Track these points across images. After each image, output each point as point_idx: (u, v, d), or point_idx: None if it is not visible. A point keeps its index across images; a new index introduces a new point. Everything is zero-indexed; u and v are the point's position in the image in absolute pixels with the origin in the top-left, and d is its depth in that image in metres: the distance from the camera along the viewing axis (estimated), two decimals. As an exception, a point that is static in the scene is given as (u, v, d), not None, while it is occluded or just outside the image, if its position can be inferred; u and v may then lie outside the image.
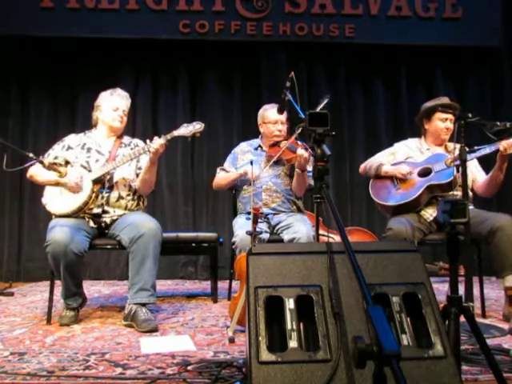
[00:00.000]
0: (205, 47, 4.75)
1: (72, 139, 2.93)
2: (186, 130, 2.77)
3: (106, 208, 2.78)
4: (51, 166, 2.70)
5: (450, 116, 3.00)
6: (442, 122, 3.04)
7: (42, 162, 2.70)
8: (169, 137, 2.73)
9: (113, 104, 2.89)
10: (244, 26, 4.67)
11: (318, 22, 4.70)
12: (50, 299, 2.76)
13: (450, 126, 3.02)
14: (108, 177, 2.80)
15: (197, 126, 2.77)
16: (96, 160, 2.82)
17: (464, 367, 1.76)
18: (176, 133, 2.76)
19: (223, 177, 3.24)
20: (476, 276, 2.81)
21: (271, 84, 4.63)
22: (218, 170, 3.32)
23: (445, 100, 3.04)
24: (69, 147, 2.88)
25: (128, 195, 2.86)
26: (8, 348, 2.20)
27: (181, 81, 4.81)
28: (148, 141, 2.75)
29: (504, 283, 2.68)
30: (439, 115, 3.04)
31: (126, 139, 3.02)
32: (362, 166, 3.21)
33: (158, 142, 2.68)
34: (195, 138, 2.82)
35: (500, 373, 1.51)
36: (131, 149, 2.90)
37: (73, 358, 2.03)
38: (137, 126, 4.70)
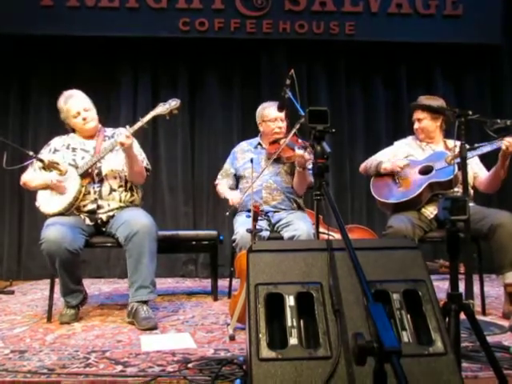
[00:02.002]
0: (204, 45, 4.74)
1: (57, 141, 2.93)
2: (163, 108, 2.75)
3: (99, 202, 2.78)
4: (51, 165, 2.70)
5: (420, 115, 3.03)
6: (416, 123, 3.09)
7: (42, 161, 2.70)
8: (145, 119, 2.70)
9: (71, 112, 2.83)
10: (244, 24, 4.66)
11: (318, 20, 4.69)
12: (51, 297, 2.76)
13: (423, 125, 3.04)
14: (96, 171, 2.79)
15: (172, 103, 2.75)
16: (82, 157, 2.82)
17: (464, 364, 1.76)
18: (153, 113, 2.74)
19: (220, 190, 3.29)
20: (476, 274, 2.81)
21: (271, 82, 4.63)
22: (218, 176, 3.35)
23: (420, 101, 3.05)
24: (55, 150, 2.88)
25: (120, 186, 2.85)
26: (8, 346, 2.20)
27: (180, 79, 4.81)
28: (127, 126, 2.71)
29: (504, 280, 2.68)
30: (413, 116, 3.11)
31: (109, 131, 3.00)
32: (363, 166, 3.21)
33: (121, 137, 2.62)
34: (173, 115, 2.78)
35: (500, 370, 1.51)
36: (115, 140, 2.89)
37: (73, 355, 2.03)
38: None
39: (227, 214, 2.99)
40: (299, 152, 2.82)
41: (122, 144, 2.63)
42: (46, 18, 4.54)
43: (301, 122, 2.70)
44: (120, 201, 2.83)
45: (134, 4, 4.60)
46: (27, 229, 4.65)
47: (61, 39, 4.61)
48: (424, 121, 3.03)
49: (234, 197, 3.09)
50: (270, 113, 3.14)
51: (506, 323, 2.49)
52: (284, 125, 3.15)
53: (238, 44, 4.74)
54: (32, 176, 2.82)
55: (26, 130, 4.74)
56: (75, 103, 2.84)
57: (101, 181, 2.80)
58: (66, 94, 2.89)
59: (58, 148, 2.88)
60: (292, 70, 2.58)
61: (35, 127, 4.72)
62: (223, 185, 3.29)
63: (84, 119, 2.84)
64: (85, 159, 2.80)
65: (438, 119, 3.03)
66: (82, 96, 2.89)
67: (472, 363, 1.82)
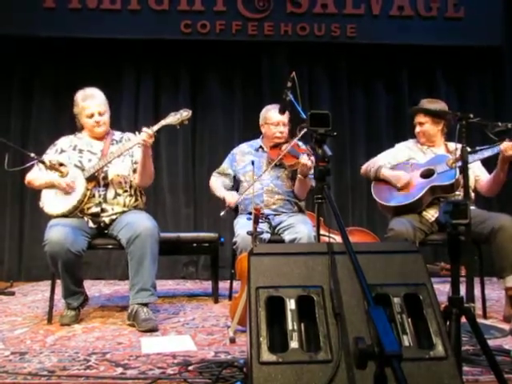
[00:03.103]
0: (206, 47, 4.75)
1: (63, 142, 2.93)
2: (174, 118, 2.74)
3: (104, 206, 2.78)
4: (53, 166, 2.70)
5: (422, 119, 3.01)
6: (417, 126, 3.07)
7: (43, 162, 2.70)
8: (156, 127, 2.70)
9: (87, 111, 2.84)
10: (245, 26, 4.66)
11: (320, 22, 4.69)
12: (51, 299, 2.76)
13: (424, 129, 3.02)
14: (102, 175, 2.79)
15: (184, 114, 2.75)
16: (89, 160, 2.82)
17: (465, 368, 1.76)
18: (164, 122, 2.74)
19: (214, 187, 3.26)
20: (477, 277, 2.80)
21: (272, 84, 4.63)
22: (214, 173, 3.34)
23: (422, 104, 3.04)
24: (61, 150, 2.88)
25: (125, 191, 2.85)
26: (9, 348, 2.20)
27: (182, 81, 4.82)
28: (137, 133, 2.73)
29: (505, 284, 2.68)
30: (415, 119, 3.08)
31: (117, 135, 3.01)
32: (364, 168, 3.20)
33: (144, 134, 2.65)
34: (183, 125, 2.78)
35: (501, 374, 1.51)
36: (123, 145, 2.89)
37: (74, 357, 2.03)
38: (139, 126, 4.66)
39: (222, 214, 2.95)
40: (304, 161, 2.80)
41: (145, 142, 2.64)
42: (48, 19, 4.56)
43: (304, 130, 2.68)
44: (124, 205, 2.84)
45: (136, 6, 4.61)
46: (28, 230, 4.65)
47: (63, 41, 4.62)
48: (426, 125, 3.02)
49: (230, 197, 3.05)
50: (272, 116, 3.13)
51: (506, 327, 2.49)
52: (286, 129, 3.14)
53: (240, 46, 4.75)
54: (36, 175, 2.82)
55: (27, 131, 4.74)
56: (92, 105, 2.84)
57: (106, 185, 2.80)
58: (87, 91, 2.89)
59: (64, 149, 2.88)
60: (293, 73, 2.58)
61: (37, 129, 4.72)
62: (217, 182, 3.27)
63: (96, 123, 2.85)
64: (91, 162, 2.80)
65: (439, 123, 3.02)
66: (101, 98, 2.89)
67: (473, 367, 1.82)
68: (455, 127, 2.36)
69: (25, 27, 4.53)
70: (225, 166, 3.32)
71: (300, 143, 3.07)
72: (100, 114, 2.86)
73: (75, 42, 4.61)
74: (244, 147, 3.33)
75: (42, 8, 4.55)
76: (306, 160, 2.79)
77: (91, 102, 2.85)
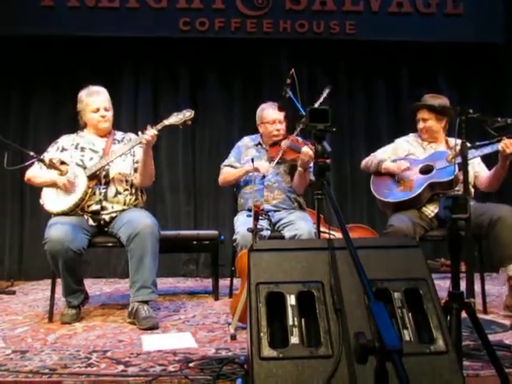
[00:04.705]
0: (205, 45, 4.74)
1: (65, 140, 2.93)
2: (177, 118, 2.75)
3: (104, 204, 2.78)
4: (52, 165, 2.70)
5: (425, 116, 2.99)
6: (420, 122, 3.05)
7: (43, 161, 2.70)
8: (159, 127, 2.71)
9: (92, 106, 2.85)
10: (244, 24, 4.65)
11: (319, 19, 4.69)
12: (52, 297, 2.77)
13: (428, 125, 3.00)
14: (104, 173, 2.79)
15: (187, 114, 2.75)
16: (90, 158, 2.82)
17: (465, 363, 1.76)
18: (167, 122, 2.74)
19: (232, 172, 3.19)
20: (477, 272, 2.80)
21: (272, 81, 4.62)
22: (222, 166, 3.31)
23: (425, 99, 3.02)
24: (63, 148, 2.88)
25: (126, 190, 2.85)
26: (10, 346, 2.20)
27: (181, 79, 4.81)
28: (140, 132, 2.73)
29: (507, 272, 2.67)
30: (418, 115, 3.06)
31: (119, 135, 3.01)
32: (364, 162, 3.20)
33: (149, 134, 2.66)
34: (186, 125, 2.79)
35: (501, 368, 1.51)
36: (124, 144, 2.89)
37: (75, 355, 2.03)
38: (138, 124, 4.67)
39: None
40: (306, 149, 2.80)
41: (147, 142, 2.66)
42: (46, 18, 4.54)
43: (302, 126, 2.68)
44: (124, 204, 2.84)
45: (135, 4, 4.59)
46: (28, 229, 4.65)
47: (61, 39, 4.60)
48: (429, 121, 3.00)
49: (265, 166, 2.96)
50: (268, 115, 3.13)
51: (507, 322, 2.49)
52: (283, 126, 3.13)
53: (239, 44, 4.74)
54: (37, 172, 2.82)
55: (27, 130, 4.73)
56: (98, 100, 2.86)
57: (107, 183, 2.80)
58: (92, 88, 2.90)
59: (66, 147, 2.88)
60: (292, 70, 2.58)
61: (36, 128, 4.71)
62: (231, 169, 3.21)
63: (102, 117, 2.86)
64: (93, 160, 2.81)
65: (442, 120, 3.01)
66: (106, 95, 2.91)
67: (473, 362, 1.82)
68: (455, 122, 2.35)
69: (23, 26, 4.51)
70: (232, 158, 3.29)
71: (299, 138, 3.07)
72: (106, 110, 2.88)
73: (74, 40, 4.60)
74: (247, 141, 3.33)
75: (40, 6, 4.54)
76: (308, 149, 2.79)
77: (97, 97, 2.87)
